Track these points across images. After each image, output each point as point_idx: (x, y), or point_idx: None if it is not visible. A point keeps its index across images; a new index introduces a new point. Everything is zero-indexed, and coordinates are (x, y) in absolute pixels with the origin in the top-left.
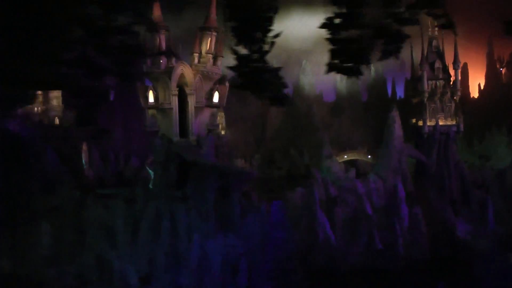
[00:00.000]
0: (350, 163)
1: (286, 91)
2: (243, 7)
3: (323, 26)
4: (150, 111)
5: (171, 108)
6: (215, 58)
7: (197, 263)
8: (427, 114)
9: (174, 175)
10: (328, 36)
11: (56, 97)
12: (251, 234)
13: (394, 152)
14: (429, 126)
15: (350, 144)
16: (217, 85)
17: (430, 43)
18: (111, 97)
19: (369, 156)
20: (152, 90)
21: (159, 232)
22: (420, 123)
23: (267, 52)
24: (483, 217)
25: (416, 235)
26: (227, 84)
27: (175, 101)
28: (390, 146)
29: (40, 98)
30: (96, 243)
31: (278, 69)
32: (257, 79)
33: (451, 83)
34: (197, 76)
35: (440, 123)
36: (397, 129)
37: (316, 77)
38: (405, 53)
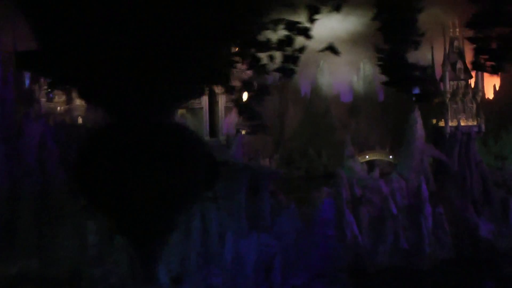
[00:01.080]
0: (367, 163)
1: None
2: (394, 8)
3: (469, 25)
4: (180, 111)
5: (202, 108)
6: None
7: (231, 262)
8: (449, 115)
9: (203, 174)
10: (471, 34)
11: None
12: (284, 233)
13: (416, 152)
14: (450, 126)
15: (367, 144)
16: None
17: (451, 44)
18: None
19: (391, 156)
20: None
21: (190, 232)
22: (441, 123)
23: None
24: (504, 216)
25: (440, 235)
26: (255, 83)
27: (205, 101)
28: (412, 146)
29: (63, 98)
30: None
31: (426, 66)
32: (407, 76)
33: (472, 83)
34: None
35: (462, 123)
36: (419, 129)
37: (334, 77)
38: (419, 53)
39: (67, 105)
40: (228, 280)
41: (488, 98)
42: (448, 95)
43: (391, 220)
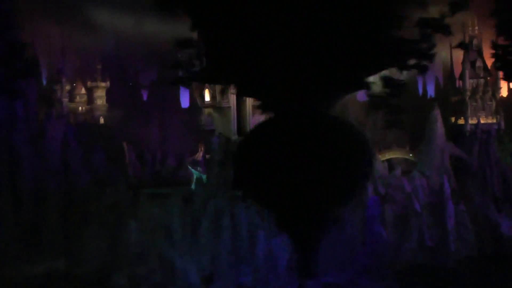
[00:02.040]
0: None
1: None
2: None
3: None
4: (207, 110)
5: (229, 107)
6: None
7: (263, 261)
8: (469, 113)
9: (231, 173)
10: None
11: (100, 96)
12: None
13: (437, 150)
14: (470, 124)
15: (384, 143)
16: None
17: (470, 42)
18: (145, 97)
19: (410, 155)
20: (209, 89)
21: (219, 231)
22: (460, 121)
23: None
24: None
25: (462, 232)
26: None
27: (233, 100)
28: (433, 144)
29: (84, 98)
30: (156, 243)
31: None
32: None
33: (492, 81)
34: None
35: (482, 121)
36: (439, 127)
37: None
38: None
39: (89, 105)
40: (261, 279)
41: (502, 96)
42: (468, 93)
43: (415, 218)
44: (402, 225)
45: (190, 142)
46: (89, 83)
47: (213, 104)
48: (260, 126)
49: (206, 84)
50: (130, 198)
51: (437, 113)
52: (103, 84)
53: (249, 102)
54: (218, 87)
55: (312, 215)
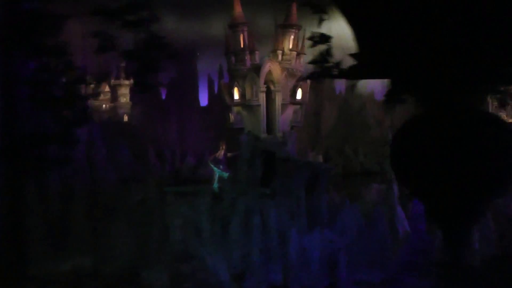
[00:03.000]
0: None
1: None
2: None
3: None
4: (235, 108)
5: (259, 105)
6: (297, 55)
7: (295, 258)
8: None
9: (260, 171)
10: None
11: (124, 94)
12: (347, 228)
13: None
14: None
15: None
16: (300, 82)
17: None
18: (163, 95)
19: None
20: (238, 87)
21: (249, 229)
22: None
23: None
24: None
25: (485, 231)
26: (308, 81)
27: (263, 98)
28: None
29: (108, 96)
30: (186, 241)
31: None
32: None
33: None
34: (283, 73)
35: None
36: None
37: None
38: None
39: (112, 103)
40: (293, 277)
41: None
42: None
43: None
44: (427, 224)
45: (209, 140)
46: (112, 81)
47: (242, 102)
48: (414, 121)
49: (235, 82)
50: (159, 195)
51: None
52: (126, 82)
53: (278, 100)
54: (248, 86)
55: (466, 207)
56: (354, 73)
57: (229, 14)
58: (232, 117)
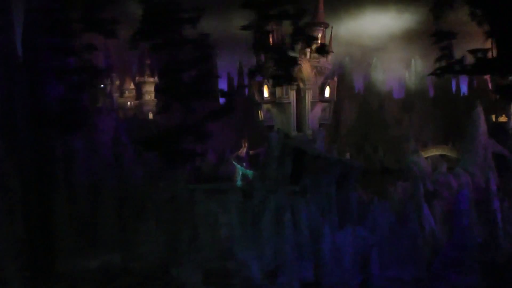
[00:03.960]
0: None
1: None
2: None
3: None
4: (265, 106)
5: (289, 103)
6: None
7: (328, 255)
8: (511, 110)
9: (290, 169)
10: None
11: (148, 91)
12: (378, 225)
13: (480, 147)
14: None
15: (420, 140)
16: (329, 80)
17: None
18: None
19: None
20: (267, 85)
21: (280, 226)
22: (501, 118)
23: None
24: None
25: (508, 229)
26: (335, 78)
27: (293, 96)
28: (476, 141)
29: (133, 93)
30: (217, 238)
31: None
32: None
33: None
34: (313, 71)
35: None
36: (482, 124)
37: (386, 74)
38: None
39: (137, 100)
40: (326, 273)
41: None
42: None
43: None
44: (451, 221)
45: (230, 138)
46: (137, 78)
47: (272, 100)
48: None
49: (265, 80)
50: (188, 193)
51: (479, 111)
52: (151, 79)
53: (308, 98)
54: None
55: None
56: (479, 69)
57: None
58: (261, 114)
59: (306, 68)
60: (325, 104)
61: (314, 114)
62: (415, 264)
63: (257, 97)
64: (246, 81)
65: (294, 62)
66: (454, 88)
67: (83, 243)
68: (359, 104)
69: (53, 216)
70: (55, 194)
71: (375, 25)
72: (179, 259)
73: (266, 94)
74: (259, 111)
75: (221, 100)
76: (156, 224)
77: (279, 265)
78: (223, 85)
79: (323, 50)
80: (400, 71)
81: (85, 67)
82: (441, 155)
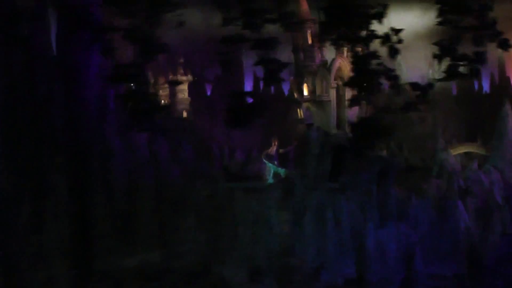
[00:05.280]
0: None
1: None
2: None
3: None
4: (305, 104)
5: (329, 101)
6: (362, 51)
7: (372, 252)
8: None
9: (329, 166)
10: None
11: (182, 90)
12: (420, 222)
13: (509, 144)
14: None
15: (445, 137)
16: None
17: None
18: (208, 92)
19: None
20: (307, 84)
21: (321, 223)
22: None
23: None
24: None
25: None
26: None
27: (333, 94)
28: (505, 138)
29: (167, 92)
30: (259, 236)
31: None
32: None
33: None
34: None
35: None
36: (510, 122)
37: (410, 72)
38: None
39: (171, 99)
40: (370, 270)
41: None
42: None
43: (498, 211)
44: (485, 218)
45: (257, 136)
46: (171, 77)
47: (312, 98)
48: None
49: (305, 78)
50: (228, 191)
51: (508, 108)
52: (184, 78)
53: (348, 95)
54: (319, 82)
55: None
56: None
57: (277, 10)
58: (301, 113)
59: (345, 66)
60: (362, 102)
61: (353, 112)
62: (456, 260)
63: (296, 96)
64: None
65: None
66: (476, 86)
67: (122, 242)
68: (383, 102)
69: (92, 215)
70: (93, 193)
71: (399, 24)
72: (222, 257)
73: (305, 92)
74: (299, 110)
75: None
76: (196, 222)
77: (322, 262)
78: (248, 84)
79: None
80: (423, 69)
81: None
82: (465, 153)
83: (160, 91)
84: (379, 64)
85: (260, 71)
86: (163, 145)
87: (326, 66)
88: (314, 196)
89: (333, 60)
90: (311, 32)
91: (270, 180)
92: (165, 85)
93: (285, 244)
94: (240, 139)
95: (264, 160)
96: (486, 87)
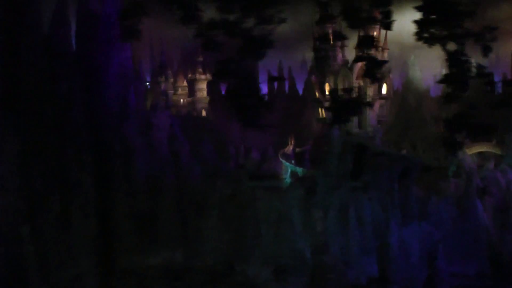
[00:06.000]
0: None
1: None
2: None
3: None
4: (327, 104)
5: None
6: (382, 51)
7: (396, 251)
8: None
9: (351, 165)
10: None
11: (201, 89)
12: (443, 221)
13: None
14: None
15: (458, 137)
16: (385, 78)
17: None
18: (223, 91)
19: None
20: (329, 83)
21: (344, 222)
22: None
23: None
24: None
25: None
26: (390, 76)
27: (355, 94)
28: None
29: (186, 91)
30: (282, 235)
31: None
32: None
33: None
34: None
35: None
36: None
37: (424, 72)
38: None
39: (190, 98)
40: (393, 269)
41: None
42: None
43: None
44: (503, 217)
45: (272, 136)
46: (189, 76)
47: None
48: None
49: (327, 78)
50: (250, 190)
51: None
52: (203, 77)
53: (369, 95)
54: (341, 82)
55: None
56: None
57: (293, 8)
58: (322, 112)
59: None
60: (383, 101)
61: (374, 111)
62: (478, 259)
63: (319, 96)
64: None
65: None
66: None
67: (145, 241)
68: (397, 102)
69: (116, 214)
70: (116, 192)
71: (411, 23)
72: (245, 256)
73: (327, 92)
74: (320, 109)
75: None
76: (217, 221)
77: (346, 260)
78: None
79: (371, 44)
80: (437, 69)
81: None
82: (479, 152)
83: (180, 90)
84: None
85: (274, 70)
86: (184, 144)
87: (347, 66)
88: (336, 195)
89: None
90: (332, 32)
91: (287, 179)
92: (184, 84)
93: (311, 243)
94: (256, 138)
95: (281, 159)
96: (498, 86)
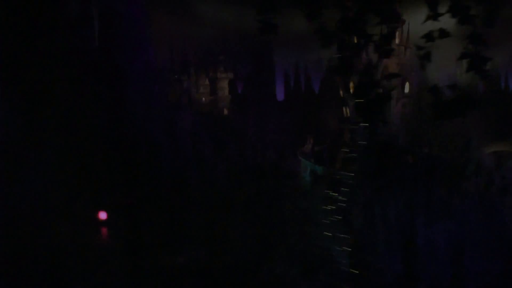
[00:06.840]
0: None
1: None
2: None
3: None
4: (351, 102)
5: None
6: (404, 49)
7: (422, 249)
8: None
9: (375, 164)
10: None
11: (222, 87)
12: (467, 219)
13: None
14: None
15: (474, 136)
16: (408, 76)
17: None
18: (239, 89)
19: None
20: (353, 81)
21: (369, 220)
22: None
23: None
24: None
25: None
26: (413, 74)
27: None
28: None
29: (208, 89)
30: (307, 233)
31: None
32: None
33: None
34: (397, 67)
35: None
36: None
37: (439, 71)
38: None
39: (211, 96)
40: (419, 267)
41: None
42: None
43: None
44: None
45: (289, 135)
46: (211, 74)
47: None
48: None
49: (352, 77)
50: (276, 188)
51: None
52: (224, 75)
53: (393, 94)
54: (365, 80)
55: None
56: None
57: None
58: (347, 111)
59: (391, 64)
60: (406, 100)
61: (397, 110)
62: (503, 257)
63: (343, 94)
64: (301, 79)
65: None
66: (502, 85)
67: (171, 239)
68: (412, 101)
69: (142, 211)
70: (143, 190)
71: (428, 23)
72: (271, 254)
73: (351, 91)
74: (345, 108)
75: (280, 97)
76: (243, 219)
77: (372, 259)
78: (279, 83)
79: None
80: (451, 68)
81: None
82: (494, 151)
83: (201, 88)
84: None
85: (290, 69)
86: (207, 143)
87: (372, 64)
88: (361, 193)
89: (380, 59)
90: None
91: (307, 177)
92: (206, 82)
93: (337, 241)
94: (273, 136)
95: (300, 158)
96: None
